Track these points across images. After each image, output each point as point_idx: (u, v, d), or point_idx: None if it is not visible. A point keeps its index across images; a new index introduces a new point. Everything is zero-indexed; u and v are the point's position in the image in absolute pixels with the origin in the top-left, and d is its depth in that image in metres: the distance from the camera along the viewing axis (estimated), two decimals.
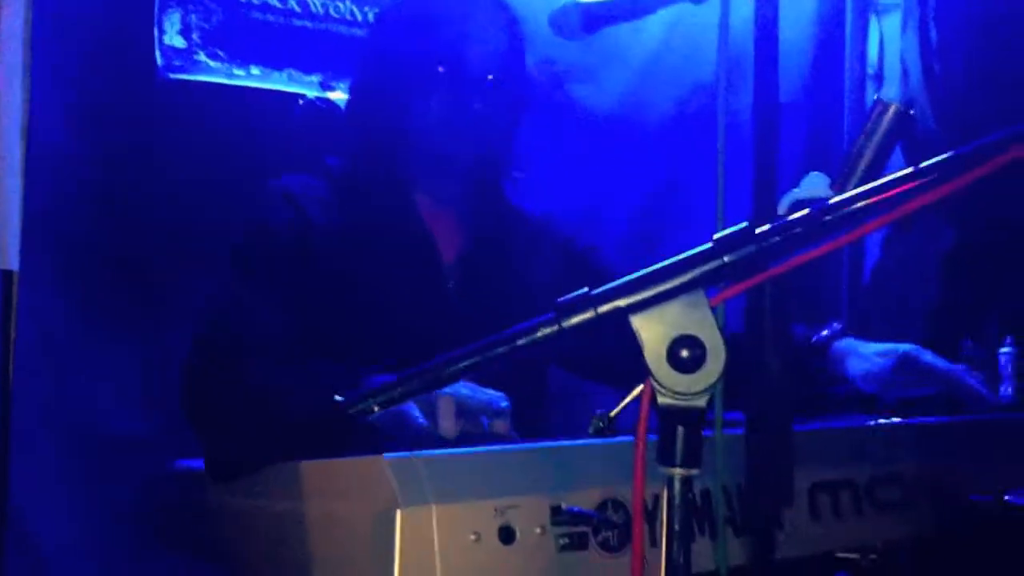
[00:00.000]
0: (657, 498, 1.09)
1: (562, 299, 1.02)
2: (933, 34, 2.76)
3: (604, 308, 1.00)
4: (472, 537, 1.05)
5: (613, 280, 2.28)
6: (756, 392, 1.12)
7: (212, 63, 2.60)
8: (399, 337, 1.83)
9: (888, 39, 3.34)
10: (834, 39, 3.48)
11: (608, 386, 2.11)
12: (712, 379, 1.00)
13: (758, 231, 0.99)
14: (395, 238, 2.02)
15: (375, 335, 1.87)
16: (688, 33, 3.07)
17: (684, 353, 0.99)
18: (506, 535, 1.07)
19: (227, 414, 1.66)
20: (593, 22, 1.79)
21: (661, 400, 1.00)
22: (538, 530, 1.09)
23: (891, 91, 3.24)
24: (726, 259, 0.99)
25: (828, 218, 0.96)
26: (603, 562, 1.12)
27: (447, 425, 1.34)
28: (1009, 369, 2.14)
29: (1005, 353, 2.16)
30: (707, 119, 3.21)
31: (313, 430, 1.41)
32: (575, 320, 1.00)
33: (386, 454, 1.07)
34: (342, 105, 2.76)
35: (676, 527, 0.98)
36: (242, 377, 1.70)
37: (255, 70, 2.66)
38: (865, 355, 1.91)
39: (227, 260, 1.97)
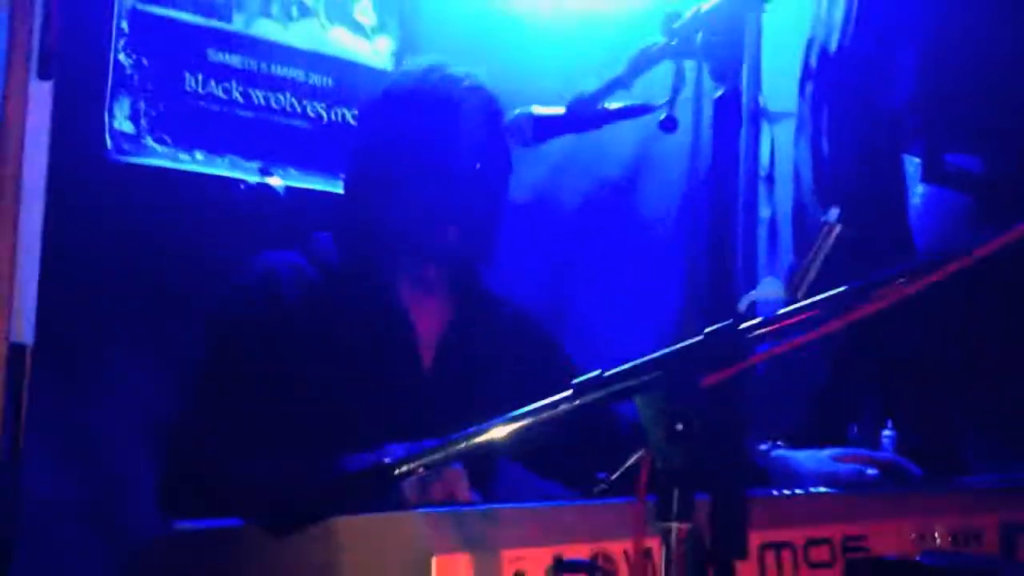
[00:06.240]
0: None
1: (578, 379, 1.21)
2: (825, 146, 3.04)
3: (616, 388, 1.19)
4: None
5: (575, 370, 2.34)
6: (721, 464, 1.32)
7: (159, 147, 2.71)
8: (376, 419, 1.90)
9: (779, 145, 3.61)
10: (729, 142, 3.78)
11: (559, 482, 2.20)
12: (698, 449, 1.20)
13: (740, 327, 1.21)
14: (375, 321, 2.04)
15: (352, 416, 1.92)
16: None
17: (678, 427, 1.19)
18: None
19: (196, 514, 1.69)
20: (543, 132, 1.98)
21: (658, 465, 1.20)
22: None
23: (784, 191, 3.55)
24: (712, 350, 1.20)
25: (796, 321, 1.18)
26: None
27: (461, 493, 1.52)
28: (891, 450, 2.37)
29: (887, 436, 2.39)
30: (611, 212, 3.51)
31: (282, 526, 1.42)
32: (590, 397, 1.19)
33: (419, 509, 1.24)
34: (280, 190, 2.93)
35: (672, 572, 1.18)
36: (210, 479, 1.78)
37: (199, 155, 2.79)
38: (816, 461, 2.05)
39: (198, 339, 1.99)
